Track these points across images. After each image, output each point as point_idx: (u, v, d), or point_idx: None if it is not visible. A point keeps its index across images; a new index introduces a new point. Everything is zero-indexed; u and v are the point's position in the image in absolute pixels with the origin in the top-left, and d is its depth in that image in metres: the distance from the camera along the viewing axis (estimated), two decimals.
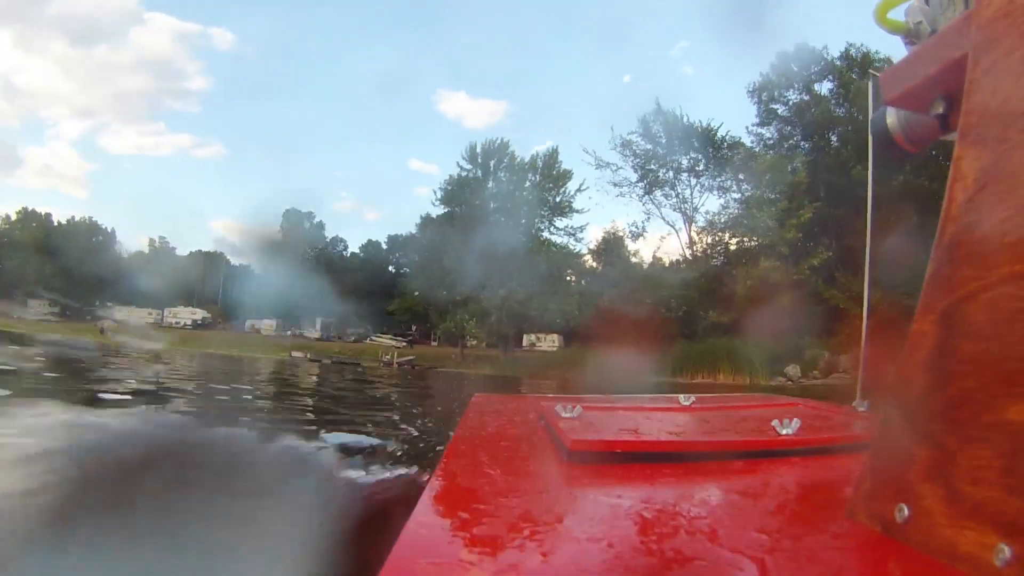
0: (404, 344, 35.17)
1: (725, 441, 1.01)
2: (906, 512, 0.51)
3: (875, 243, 1.49)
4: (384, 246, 45.14)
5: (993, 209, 0.50)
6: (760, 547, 0.54)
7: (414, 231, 37.94)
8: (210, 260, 53.23)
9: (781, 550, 0.54)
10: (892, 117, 0.83)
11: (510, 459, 0.97)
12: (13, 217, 50.21)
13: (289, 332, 40.55)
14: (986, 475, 0.45)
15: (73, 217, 53.75)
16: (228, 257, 53.21)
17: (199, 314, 45.98)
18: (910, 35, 0.79)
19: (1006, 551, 0.41)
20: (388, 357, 28.68)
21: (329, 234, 48.59)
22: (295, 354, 29.38)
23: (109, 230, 53.09)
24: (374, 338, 37.31)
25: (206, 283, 49.65)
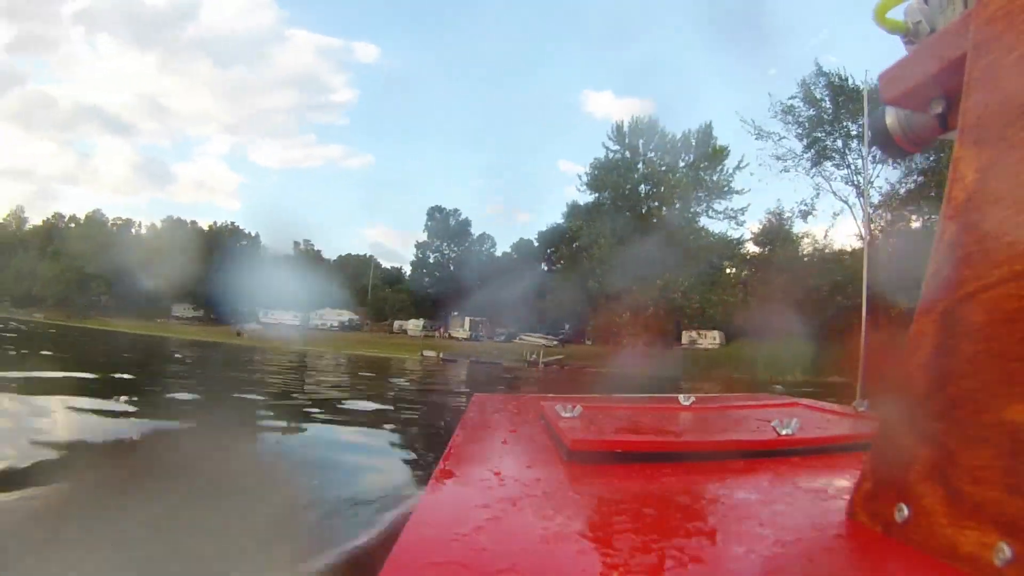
0: (555, 343, 33.56)
1: (725, 441, 1.01)
2: (906, 512, 0.51)
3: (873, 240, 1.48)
4: (535, 244, 44.20)
5: (993, 209, 0.50)
6: (760, 547, 0.54)
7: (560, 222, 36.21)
8: (359, 263, 53.26)
9: (781, 550, 0.54)
10: (891, 116, 0.83)
11: (510, 459, 0.97)
12: (159, 225, 50.52)
13: (436, 332, 40.26)
14: (986, 475, 0.45)
15: (215, 222, 53.48)
16: (379, 259, 53.59)
17: (345, 316, 45.59)
18: (909, 34, 0.79)
19: (1006, 550, 0.41)
20: (533, 356, 27.36)
21: (476, 232, 47.80)
22: (427, 353, 28.70)
23: (253, 234, 53.09)
24: (523, 337, 35.77)
25: (355, 286, 49.42)
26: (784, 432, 0.94)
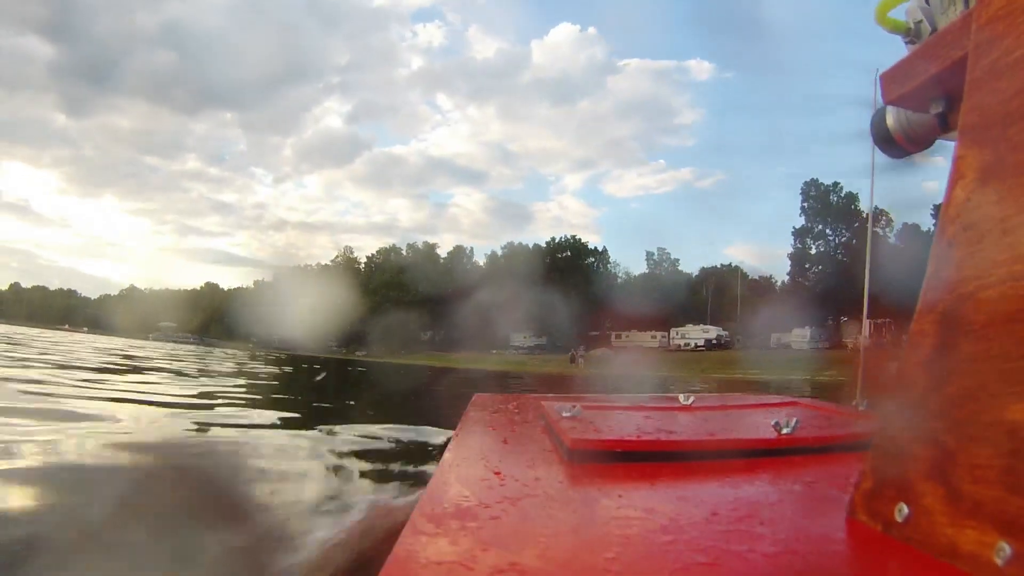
0: None
1: (725, 440, 1.02)
2: (906, 511, 0.51)
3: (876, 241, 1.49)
4: None
5: (993, 209, 0.50)
6: (760, 546, 0.54)
7: None
8: (724, 275, 47.68)
9: (781, 549, 0.54)
10: (892, 117, 0.83)
11: (510, 458, 0.97)
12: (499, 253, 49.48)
13: (825, 344, 30.94)
14: (986, 474, 0.45)
15: (554, 238, 50.49)
16: (745, 271, 47.76)
17: (712, 332, 38.82)
18: (910, 35, 0.79)
19: (1007, 549, 0.42)
20: None
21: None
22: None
23: (600, 249, 50.38)
24: None
25: (720, 300, 44.09)
26: (784, 431, 0.94)
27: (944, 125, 0.72)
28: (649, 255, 49.68)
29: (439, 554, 0.52)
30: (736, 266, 48.96)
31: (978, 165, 0.53)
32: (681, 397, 1.44)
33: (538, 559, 0.52)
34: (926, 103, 0.72)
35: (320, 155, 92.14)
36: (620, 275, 49.33)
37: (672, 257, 50.19)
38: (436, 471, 0.81)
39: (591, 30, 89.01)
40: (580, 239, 51.23)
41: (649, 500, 0.73)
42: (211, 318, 55.99)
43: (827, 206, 40.39)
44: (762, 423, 1.06)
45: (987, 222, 0.50)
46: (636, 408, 1.36)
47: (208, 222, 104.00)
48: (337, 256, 58.09)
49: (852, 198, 39.40)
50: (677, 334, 39.43)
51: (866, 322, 1.44)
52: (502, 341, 42.26)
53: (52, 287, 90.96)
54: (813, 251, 41.25)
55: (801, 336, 32.77)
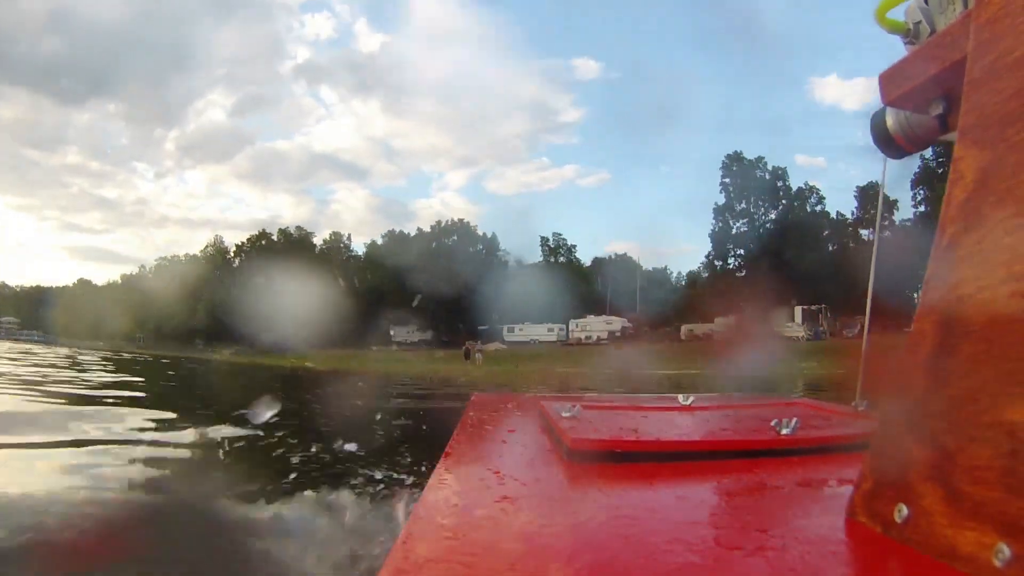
0: None
1: (725, 440, 1.02)
2: (906, 512, 0.51)
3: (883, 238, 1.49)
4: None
5: (993, 209, 0.50)
6: (759, 546, 0.54)
7: None
8: (621, 264, 44.28)
9: (780, 550, 0.54)
10: (891, 117, 0.83)
11: (510, 458, 0.97)
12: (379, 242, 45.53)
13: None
14: (986, 475, 0.45)
15: (440, 221, 47.05)
16: (638, 262, 44.17)
17: (616, 323, 35.50)
18: (909, 35, 0.79)
19: (1006, 551, 0.42)
20: None
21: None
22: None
23: (488, 235, 46.00)
24: None
25: (618, 290, 40.66)
26: (784, 432, 0.94)
27: (944, 126, 0.72)
28: (544, 241, 46.38)
29: (438, 554, 0.52)
30: (628, 256, 46.08)
31: (977, 166, 0.53)
32: (680, 397, 1.44)
33: (538, 559, 0.52)
34: (925, 104, 0.72)
35: (202, 150, 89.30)
36: (512, 264, 45.64)
37: (569, 244, 46.97)
38: (435, 471, 0.81)
39: (484, 26, 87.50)
40: (468, 222, 48.09)
41: (649, 500, 0.73)
42: (75, 315, 53.99)
43: (752, 183, 36.96)
44: (762, 423, 1.06)
45: (987, 222, 0.50)
46: (636, 408, 1.36)
47: (90, 218, 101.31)
48: (207, 246, 55.09)
49: (779, 174, 36.59)
50: (577, 326, 36.26)
51: (868, 322, 1.44)
52: (383, 336, 39.26)
53: None
54: (735, 230, 37.79)
55: (726, 326, 28.13)
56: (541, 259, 46.05)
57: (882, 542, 0.53)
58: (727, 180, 38.30)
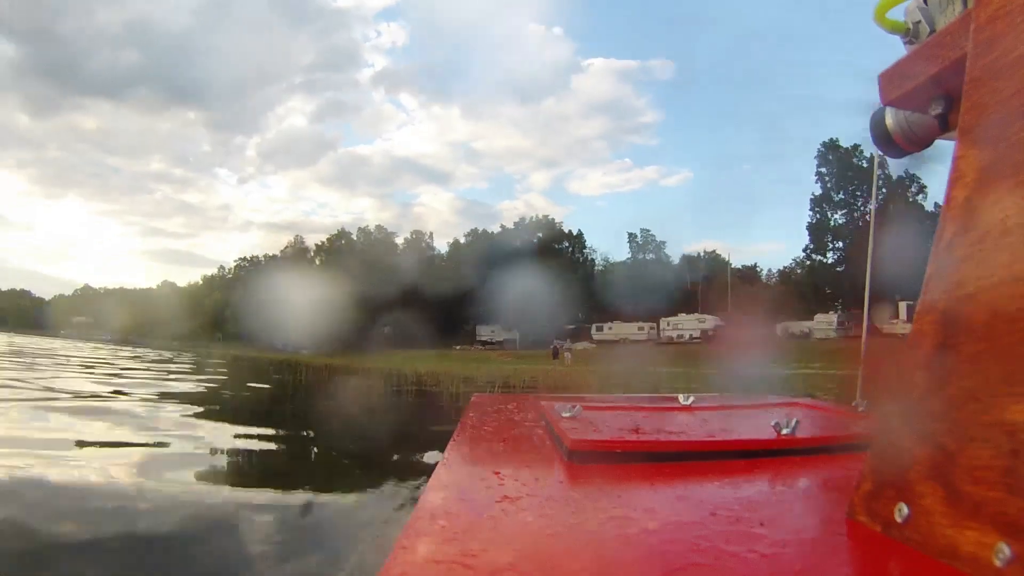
0: None
1: (725, 440, 1.01)
2: (906, 512, 0.51)
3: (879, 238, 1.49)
4: None
5: (993, 209, 0.50)
6: (759, 547, 0.54)
7: None
8: (705, 265, 42.50)
9: (781, 550, 0.53)
10: (891, 117, 0.83)
11: (510, 459, 0.97)
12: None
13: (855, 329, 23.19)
14: (986, 475, 0.45)
15: (522, 217, 45.61)
16: (727, 259, 42.26)
17: (708, 322, 33.31)
18: (909, 35, 0.79)
19: (1006, 550, 0.41)
20: None
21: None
22: None
23: (574, 233, 44.61)
24: None
25: (708, 289, 38.75)
26: (784, 432, 0.94)
27: (943, 125, 0.72)
28: (632, 237, 44.65)
29: (438, 554, 0.52)
30: (717, 253, 44.25)
31: (978, 165, 0.52)
32: (680, 397, 1.44)
33: (538, 559, 0.52)
34: (925, 103, 0.72)
35: (284, 155, 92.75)
36: (599, 261, 44.97)
37: (658, 240, 44.84)
38: (435, 471, 0.81)
39: (556, 29, 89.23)
40: (554, 219, 47.25)
41: (649, 500, 0.73)
42: (152, 318, 54.36)
43: (848, 171, 34.85)
44: (762, 423, 1.06)
45: (987, 222, 0.50)
46: (636, 408, 1.36)
47: (173, 223, 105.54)
48: (287, 247, 55.45)
49: (881, 161, 36.08)
50: (668, 324, 35.04)
51: (867, 322, 1.44)
52: (467, 336, 38.60)
53: (4, 288, 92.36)
54: (833, 221, 36.00)
55: (827, 323, 27.35)
56: (629, 256, 44.46)
57: (882, 542, 0.53)
58: (823, 170, 36.60)
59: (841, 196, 37.07)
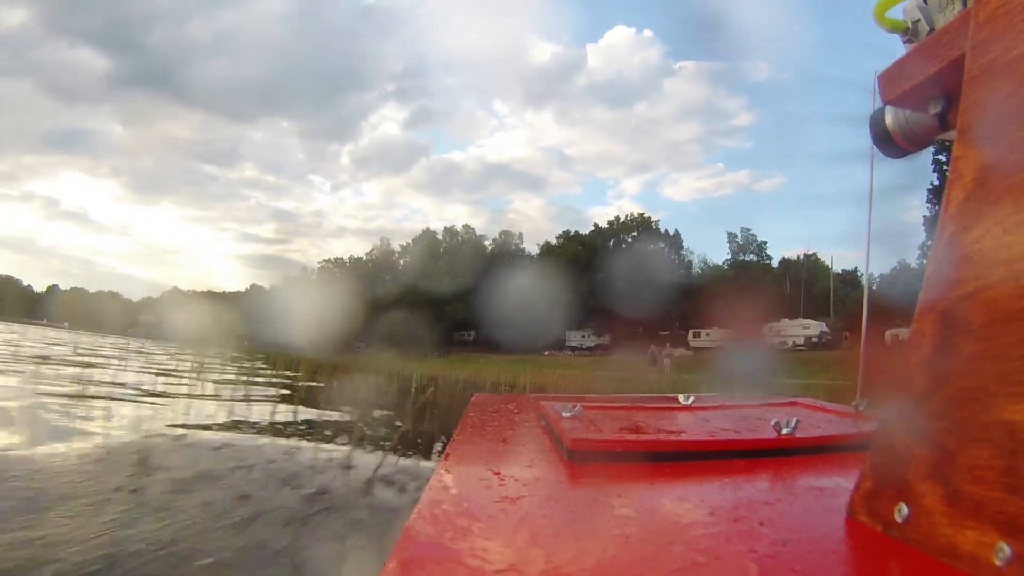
0: None
1: (725, 440, 1.01)
2: (906, 511, 0.51)
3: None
4: None
5: (992, 208, 0.50)
6: (760, 546, 0.54)
7: None
8: (812, 266, 40.13)
9: (781, 549, 0.53)
10: (890, 116, 0.83)
11: (510, 459, 0.97)
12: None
13: None
14: (986, 474, 0.45)
15: (617, 217, 43.21)
16: (829, 263, 39.66)
17: (813, 328, 31.34)
18: (908, 33, 0.79)
19: (1006, 550, 0.41)
20: None
21: None
22: None
23: (671, 232, 42.35)
24: None
25: (808, 293, 36.46)
26: (784, 431, 0.94)
27: (943, 124, 0.72)
28: (731, 237, 41.81)
29: (439, 553, 0.52)
30: (817, 256, 41.37)
31: (977, 164, 0.52)
32: (681, 397, 1.44)
33: (538, 559, 0.52)
34: (925, 102, 0.72)
35: (377, 162, 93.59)
36: (697, 264, 42.01)
37: (759, 240, 42.31)
38: (435, 471, 0.81)
39: (646, 32, 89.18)
40: (649, 217, 44.52)
41: (649, 500, 0.73)
42: (237, 319, 53.61)
43: None
44: (762, 423, 1.06)
45: (986, 222, 0.50)
46: (636, 408, 1.36)
47: (266, 229, 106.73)
48: (373, 249, 55.34)
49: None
50: (771, 330, 32.46)
51: (866, 322, 1.44)
52: (556, 341, 36.74)
53: (92, 290, 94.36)
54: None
55: None
56: (728, 257, 42.02)
57: (882, 541, 0.53)
58: (941, 157, 36.56)
59: None
